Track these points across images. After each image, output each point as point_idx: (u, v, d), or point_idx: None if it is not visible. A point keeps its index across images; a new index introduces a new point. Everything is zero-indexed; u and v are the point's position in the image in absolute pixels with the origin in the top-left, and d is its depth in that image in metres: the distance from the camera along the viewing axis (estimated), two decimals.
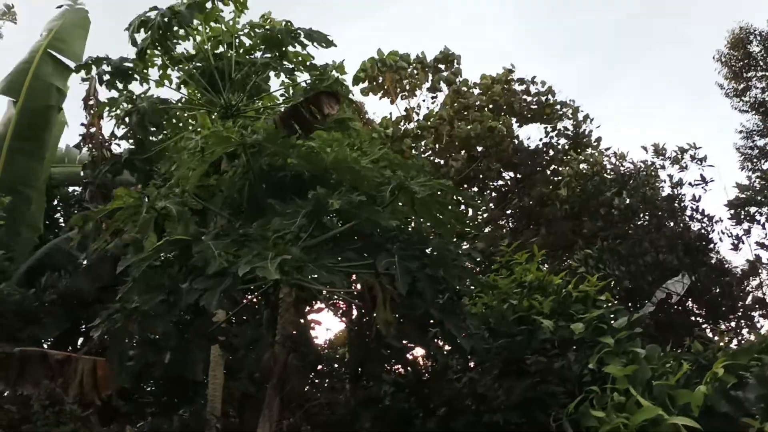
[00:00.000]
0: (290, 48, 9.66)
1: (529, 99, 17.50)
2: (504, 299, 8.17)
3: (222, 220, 6.46)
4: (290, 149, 6.26)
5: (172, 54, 9.37)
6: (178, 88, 9.87)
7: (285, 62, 9.72)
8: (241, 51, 9.85)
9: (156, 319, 6.13)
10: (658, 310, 13.13)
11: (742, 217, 13.74)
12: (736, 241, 13.96)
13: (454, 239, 7.40)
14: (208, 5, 9.51)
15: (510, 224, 18.18)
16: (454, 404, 7.90)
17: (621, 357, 6.63)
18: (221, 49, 10.03)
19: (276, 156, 6.31)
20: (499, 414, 7.25)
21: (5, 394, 9.42)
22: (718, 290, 13.92)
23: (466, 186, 17.03)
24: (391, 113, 18.10)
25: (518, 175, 17.86)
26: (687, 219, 14.55)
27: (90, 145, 9.92)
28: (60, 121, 13.44)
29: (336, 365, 12.08)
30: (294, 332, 6.79)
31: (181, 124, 9.94)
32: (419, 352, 8.97)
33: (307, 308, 8.29)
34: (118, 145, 11.80)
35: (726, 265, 14.34)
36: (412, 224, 7.07)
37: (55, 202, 15.07)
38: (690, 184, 14.59)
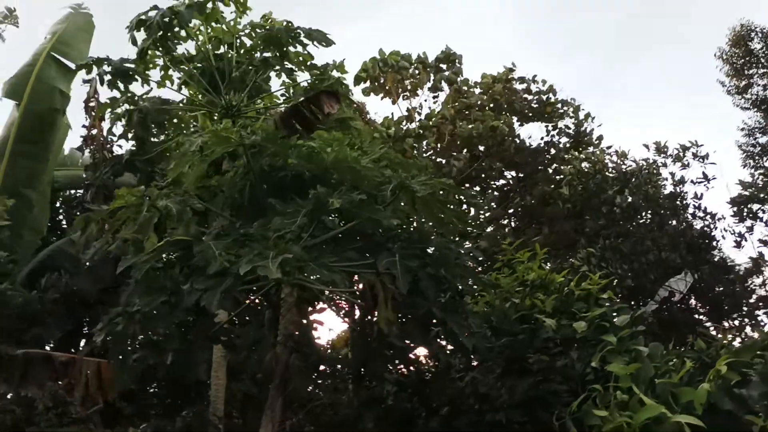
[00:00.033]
0: (291, 48, 9.66)
1: (529, 98, 17.49)
2: (506, 298, 8.16)
3: (223, 220, 6.46)
4: (290, 149, 6.26)
5: (173, 55, 9.36)
6: (179, 89, 9.88)
7: (286, 62, 9.71)
8: (242, 51, 9.85)
9: (158, 321, 6.15)
10: (661, 309, 13.11)
11: (745, 214, 13.71)
12: (738, 239, 13.93)
13: (457, 238, 7.39)
14: (209, 6, 9.52)
15: (512, 223, 18.16)
16: (457, 403, 7.89)
17: (624, 355, 6.62)
18: (222, 49, 10.03)
19: (276, 156, 6.31)
20: (501, 413, 7.24)
21: (9, 395, 9.44)
22: (721, 288, 13.90)
23: (468, 185, 17.02)
24: (392, 113, 18.10)
25: (520, 174, 17.85)
26: (689, 217, 14.52)
27: (91, 147, 9.92)
28: (63, 125, 13.44)
29: (339, 365, 12.08)
30: (296, 332, 6.78)
31: (182, 125, 9.93)
32: (422, 351, 8.97)
33: (310, 309, 8.28)
34: (120, 146, 11.83)
35: (729, 263, 14.30)
36: (414, 224, 7.06)
37: (58, 204, 15.10)
38: (692, 181, 14.59)
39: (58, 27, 13.47)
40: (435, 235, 6.76)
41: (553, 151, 17.41)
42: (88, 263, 11.37)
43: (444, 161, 17.04)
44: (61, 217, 15.31)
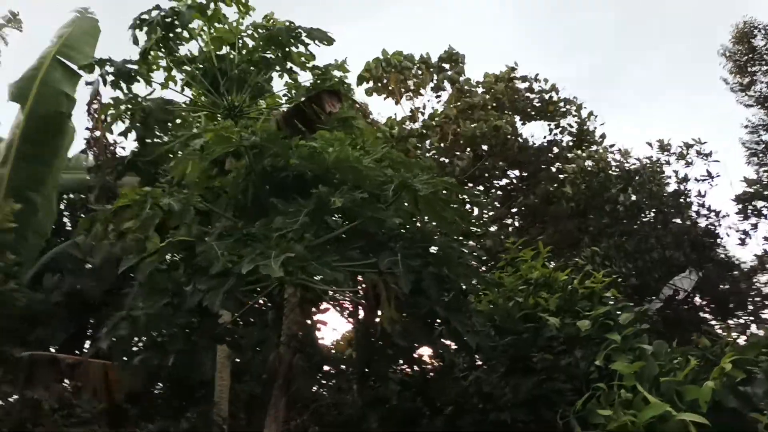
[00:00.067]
0: (293, 48, 9.66)
1: (532, 96, 17.48)
2: (509, 297, 8.14)
3: (226, 221, 6.46)
4: (290, 150, 6.26)
5: (176, 55, 9.38)
6: (181, 90, 9.89)
7: (288, 62, 9.71)
8: (244, 52, 9.85)
9: (161, 323, 6.17)
10: (666, 307, 13.08)
11: (750, 211, 13.67)
12: (743, 236, 13.89)
13: (460, 238, 7.38)
14: (211, 6, 9.53)
15: (516, 223, 18.15)
16: (461, 403, 7.88)
17: (628, 353, 6.61)
18: (225, 50, 10.03)
19: (278, 156, 6.32)
20: (505, 412, 7.23)
21: (14, 397, 9.47)
22: (727, 286, 13.86)
23: (471, 185, 17.01)
24: (395, 113, 18.12)
25: (523, 174, 17.84)
26: (693, 215, 14.49)
27: (94, 149, 9.93)
28: (70, 128, 13.46)
29: (343, 366, 12.07)
30: (299, 333, 6.78)
31: (185, 127, 9.94)
32: (425, 351, 8.96)
33: (313, 309, 8.28)
34: (123, 148, 11.84)
35: (734, 261, 14.27)
36: (417, 223, 7.05)
37: (62, 207, 15.14)
38: (696, 179, 14.56)
39: (64, 31, 13.49)
40: (438, 234, 6.75)
41: (555, 149, 17.40)
42: (91, 265, 11.42)
43: (447, 161, 17.04)
44: (65, 219, 15.35)
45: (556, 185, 16.66)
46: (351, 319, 10.97)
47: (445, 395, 8.12)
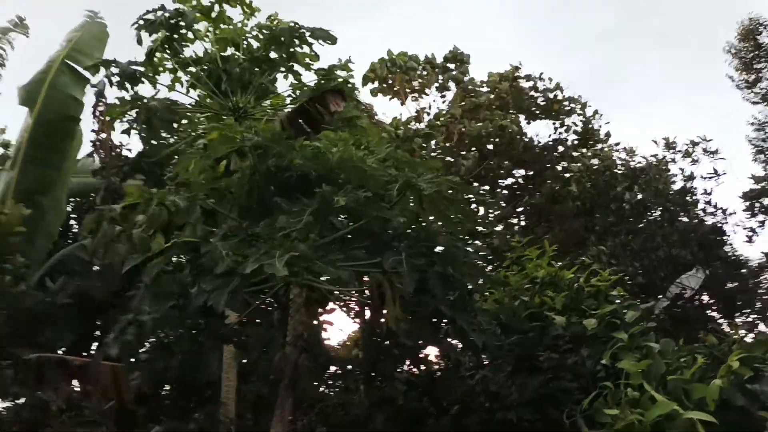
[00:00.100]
0: (297, 49, 9.68)
1: (536, 95, 17.44)
2: (515, 296, 8.13)
3: (231, 221, 6.48)
4: (294, 150, 6.28)
5: (181, 57, 9.41)
6: (187, 92, 9.92)
7: (292, 63, 9.73)
8: (249, 53, 9.87)
9: (168, 326, 6.19)
10: (673, 305, 13.04)
11: (756, 209, 13.61)
12: (750, 234, 13.84)
13: (466, 237, 7.37)
14: (216, 8, 9.56)
15: (521, 222, 18.12)
16: (467, 402, 7.88)
17: (635, 352, 6.58)
18: (230, 51, 10.05)
19: (281, 157, 6.33)
20: (512, 411, 7.23)
21: (23, 398, 9.52)
22: (736, 284, 13.81)
23: (477, 184, 16.99)
24: (401, 114, 18.11)
25: (529, 173, 17.80)
26: (700, 213, 14.43)
27: (100, 151, 9.97)
28: (78, 132, 13.51)
29: (350, 366, 12.09)
30: (304, 333, 6.79)
31: (190, 128, 9.97)
32: (432, 351, 8.97)
33: (319, 309, 8.29)
34: (129, 150, 11.88)
35: (741, 259, 14.21)
36: (423, 223, 7.04)
37: (70, 209, 15.20)
38: (702, 177, 14.51)
39: (73, 35, 13.54)
40: (443, 233, 6.74)
41: (561, 148, 17.36)
42: (98, 267, 11.46)
43: (453, 160, 17.02)
44: (72, 222, 15.41)
45: (561, 184, 16.61)
46: (357, 320, 11.00)
47: (451, 394, 8.12)
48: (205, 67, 9.59)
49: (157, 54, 9.32)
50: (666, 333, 7.60)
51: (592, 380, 6.82)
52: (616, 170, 15.88)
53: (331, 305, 8.14)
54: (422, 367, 9.07)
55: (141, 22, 8.88)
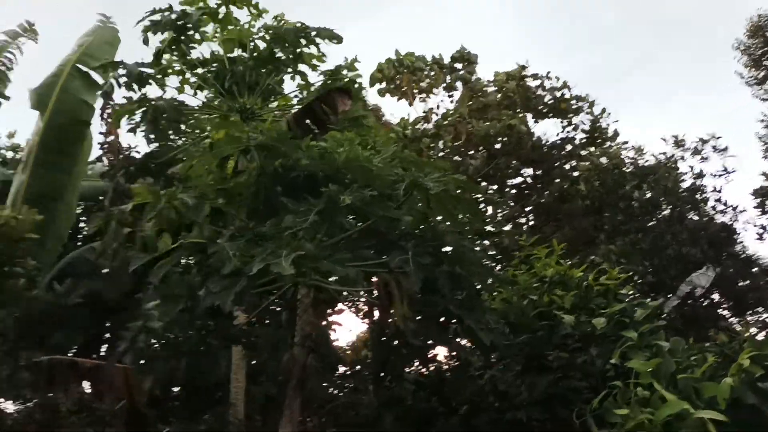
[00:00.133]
0: (305, 49, 9.68)
1: (543, 94, 17.39)
2: (524, 295, 8.10)
3: (239, 222, 6.50)
4: (299, 150, 6.29)
5: (188, 58, 9.42)
6: (195, 93, 9.93)
7: (300, 63, 9.72)
8: (255, 54, 9.87)
9: (177, 328, 6.22)
10: (683, 304, 12.95)
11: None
12: (761, 231, 13.74)
13: (475, 237, 7.36)
14: (222, 9, 9.56)
15: (530, 221, 18.06)
16: (476, 402, 7.87)
17: (644, 351, 6.54)
18: (236, 52, 10.05)
19: (287, 157, 6.34)
20: (521, 411, 7.21)
21: (35, 400, 9.59)
22: (747, 282, 13.71)
23: (485, 184, 16.96)
24: (409, 114, 18.10)
25: (537, 172, 17.74)
26: (710, 210, 14.34)
27: (108, 154, 10.02)
28: (89, 136, 13.57)
29: (359, 366, 12.10)
30: (312, 333, 6.80)
31: (197, 130, 9.98)
32: (440, 350, 8.96)
33: (328, 310, 8.30)
34: (138, 152, 11.92)
35: (752, 256, 14.11)
36: (431, 222, 7.03)
37: (79, 212, 15.28)
38: (712, 174, 14.42)
39: (84, 39, 13.60)
40: (450, 232, 6.72)
41: (569, 147, 17.29)
42: (107, 269, 11.51)
43: (461, 160, 16.99)
44: (81, 225, 15.49)
45: (570, 183, 16.54)
46: (366, 320, 11.01)
47: (460, 394, 8.11)
48: (212, 69, 9.60)
49: (165, 56, 9.34)
50: (676, 332, 7.55)
51: (601, 379, 6.79)
52: (624, 169, 15.80)
53: (339, 306, 8.17)
54: (431, 367, 9.07)
55: (147, 22, 8.89)
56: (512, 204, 17.50)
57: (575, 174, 16.71)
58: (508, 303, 8.08)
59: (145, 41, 9.04)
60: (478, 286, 6.95)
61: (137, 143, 9.73)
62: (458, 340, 7.37)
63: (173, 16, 8.82)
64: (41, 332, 10.50)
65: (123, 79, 8.78)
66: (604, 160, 16.32)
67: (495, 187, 17.46)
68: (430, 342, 7.95)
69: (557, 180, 16.89)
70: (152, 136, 8.25)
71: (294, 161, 6.35)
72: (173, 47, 9.13)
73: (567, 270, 8.29)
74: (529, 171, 17.96)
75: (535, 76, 17.55)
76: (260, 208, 6.47)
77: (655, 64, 35.24)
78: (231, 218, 6.63)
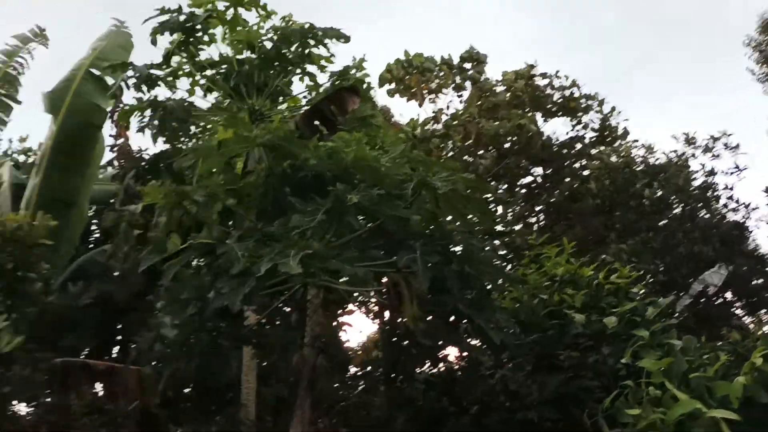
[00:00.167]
0: (314, 50, 9.70)
1: (552, 93, 17.33)
2: (534, 294, 8.07)
3: (249, 223, 6.51)
4: (307, 150, 6.30)
5: (197, 60, 9.46)
6: (204, 95, 9.97)
7: (308, 64, 9.74)
8: (263, 56, 9.90)
9: (188, 330, 6.27)
10: (696, 303, 12.86)
11: None
12: None
13: (485, 236, 7.33)
14: (230, 12, 9.60)
15: (540, 220, 18.00)
16: (487, 401, 7.84)
17: (656, 350, 6.50)
18: (245, 54, 10.09)
19: (295, 157, 6.35)
20: (532, 410, 7.19)
21: (47, 401, 9.64)
22: (761, 280, 13.59)
23: (495, 183, 16.93)
24: (418, 115, 18.10)
25: (547, 171, 17.68)
26: (721, 208, 14.23)
27: (118, 156, 10.06)
28: (101, 140, 13.66)
29: (370, 367, 12.10)
30: (322, 334, 6.81)
31: (207, 131, 10.02)
32: (451, 350, 8.93)
33: (338, 311, 8.30)
34: (149, 155, 11.96)
35: (766, 255, 13.99)
36: (440, 222, 7.02)
37: (90, 215, 15.38)
38: (723, 172, 14.32)
39: (98, 44, 13.68)
40: (460, 232, 6.71)
41: (579, 146, 17.22)
42: (118, 272, 11.57)
43: (471, 160, 16.96)
44: (93, 227, 15.59)
45: (580, 182, 16.47)
46: (377, 321, 11.01)
47: (471, 394, 8.09)
48: (221, 70, 9.63)
49: (175, 57, 9.38)
50: (688, 330, 7.50)
51: (613, 379, 6.75)
52: (635, 167, 15.71)
53: (350, 307, 8.17)
54: (442, 367, 9.05)
55: (156, 24, 8.93)
56: (522, 203, 17.45)
57: (585, 173, 16.64)
58: (518, 302, 8.05)
59: (153, 42, 9.08)
60: (489, 286, 6.92)
61: (147, 146, 9.75)
62: (469, 339, 7.35)
63: (182, 18, 8.85)
64: (54, 335, 10.57)
65: (132, 81, 8.83)
66: (614, 158, 16.24)
67: (505, 186, 17.42)
68: (440, 342, 7.92)
69: (567, 179, 16.83)
70: (161, 136, 8.27)
71: (302, 161, 6.35)
72: (182, 49, 9.17)
73: (577, 269, 8.26)
74: (539, 170, 17.91)
75: (543, 75, 17.50)
76: (269, 208, 6.48)
77: (655, 64, 35.08)
78: (240, 219, 6.65)
